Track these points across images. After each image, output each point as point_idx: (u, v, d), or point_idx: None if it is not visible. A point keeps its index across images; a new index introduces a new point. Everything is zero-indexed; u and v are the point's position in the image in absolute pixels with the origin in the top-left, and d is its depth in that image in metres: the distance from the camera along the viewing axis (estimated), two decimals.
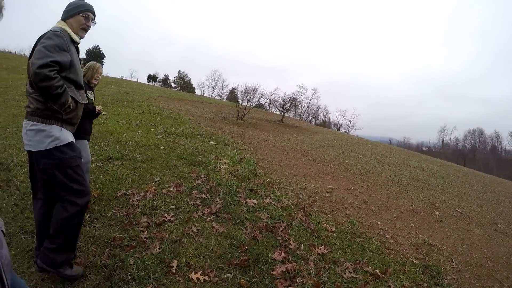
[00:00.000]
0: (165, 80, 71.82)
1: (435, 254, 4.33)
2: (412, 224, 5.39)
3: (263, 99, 19.38)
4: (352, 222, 4.71)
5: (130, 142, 6.48)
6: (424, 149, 79.48)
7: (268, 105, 20.48)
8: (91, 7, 2.48)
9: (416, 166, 11.54)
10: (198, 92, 68.90)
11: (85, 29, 2.47)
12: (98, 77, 3.90)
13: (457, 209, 6.79)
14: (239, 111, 14.74)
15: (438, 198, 7.35)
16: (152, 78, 69.38)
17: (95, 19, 2.53)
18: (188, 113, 13.32)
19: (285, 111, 19.83)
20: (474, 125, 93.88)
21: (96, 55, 67.22)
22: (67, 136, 2.29)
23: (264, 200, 4.69)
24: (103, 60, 67.36)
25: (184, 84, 71.43)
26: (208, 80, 73.84)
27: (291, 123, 19.79)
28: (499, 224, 6.57)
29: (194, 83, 73.65)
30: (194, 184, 4.82)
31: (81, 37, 2.46)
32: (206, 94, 63.14)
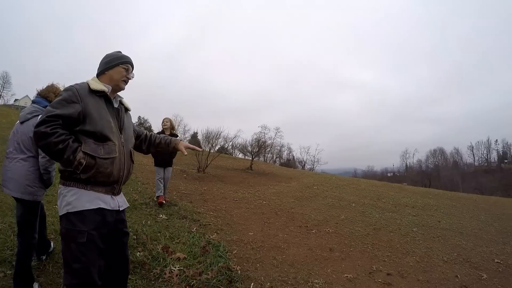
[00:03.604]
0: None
1: None
2: None
3: (227, 144, 17.22)
4: None
5: None
6: (389, 174, 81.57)
7: (232, 149, 18.37)
8: (130, 59, 2.40)
9: (414, 205, 10.77)
10: None
11: (126, 81, 2.34)
12: (166, 124, 6.75)
13: (496, 260, 5.65)
14: (200, 162, 12.35)
15: (466, 249, 6.23)
16: None
17: (133, 72, 2.42)
18: (138, 167, 10.82)
19: (254, 157, 17.64)
20: (434, 145, 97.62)
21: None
22: (82, 202, 2.01)
23: None
24: None
25: (144, 128, 68.84)
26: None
27: (261, 169, 17.62)
28: None
29: (155, 128, 70.83)
30: None
31: (121, 89, 2.34)
32: None
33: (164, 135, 2.75)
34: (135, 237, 4.29)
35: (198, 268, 3.69)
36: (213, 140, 14.69)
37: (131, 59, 2.41)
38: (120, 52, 2.42)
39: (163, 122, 6.84)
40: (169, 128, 6.76)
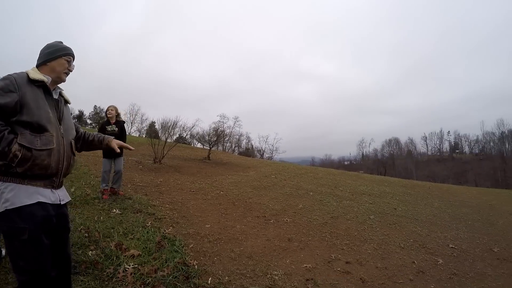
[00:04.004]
0: (80, 117, 65.69)
1: None
2: None
3: (185, 133, 16.87)
4: None
5: None
6: (345, 163, 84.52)
7: (190, 138, 18.06)
8: (72, 51, 2.36)
9: (370, 193, 11.02)
10: None
11: (67, 73, 2.30)
12: (111, 112, 6.54)
13: (450, 245, 6.03)
14: (157, 152, 12.02)
15: (422, 235, 6.54)
16: None
17: (74, 62, 2.36)
18: (90, 159, 10.36)
19: (211, 146, 17.45)
20: (389, 135, 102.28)
21: None
22: (21, 197, 1.93)
23: None
24: None
25: (100, 120, 65.91)
26: (126, 115, 68.17)
27: (218, 158, 17.48)
28: (493, 248, 6.24)
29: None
30: None
31: (62, 81, 2.29)
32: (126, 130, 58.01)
33: (97, 133, 2.66)
34: (86, 235, 4.11)
35: (153, 265, 3.59)
36: (170, 130, 14.30)
37: (73, 50, 2.38)
38: (62, 42, 2.35)
39: (107, 110, 6.60)
40: (114, 116, 6.53)
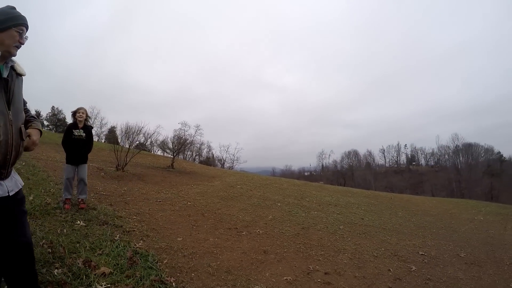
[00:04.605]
0: (37, 117, 61.52)
1: None
2: None
3: (149, 140, 16.35)
4: None
5: None
6: (306, 174, 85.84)
7: (150, 145, 17.54)
8: (26, 20, 2.00)
9: (336, 203, 11.32)
10: None
11: (18, 47, 1.97)
12: (81, 115, 5.90)
13: (420, 252, 6.36)
14: (119, 159, 11.50)
15: (392, 243, 6.79)
16: None
17: (27, 34, 2.03)
18: (49, 164, 9.70)
19: (175, 154, 17.00)
20: (348, 147, 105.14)
21: None
22: None
23: None
24: None
25: (58, 122, 62.37)
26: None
27: (182, 167, 17.05)
28: (460, 254, 6.69)
29: (70, 120, 64.58)
30: None
31: (12, 55, 1.95)
32: None
33: (32, 116, 2.34)
34: (50, 250, 3.73)
35: (127, 283, 3.32)
36: (134, 136, 13.77)
37: (26, 19, 2.04)
38: (14, 8, 2.02)
39: (77, 112, 5.96)
40: (83, 120, 6.00)
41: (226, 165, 58.20)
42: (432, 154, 77.77)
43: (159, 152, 23.93)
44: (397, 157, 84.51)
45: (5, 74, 1.93)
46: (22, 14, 2.04)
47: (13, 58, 2.01)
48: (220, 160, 61.35)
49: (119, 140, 14.61)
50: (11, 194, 1.96)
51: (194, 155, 56.08)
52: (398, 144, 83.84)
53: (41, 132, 2.33)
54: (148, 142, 16.07)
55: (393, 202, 13.84)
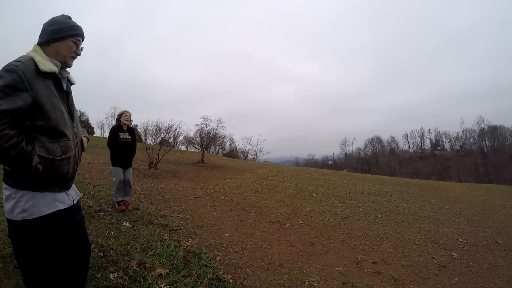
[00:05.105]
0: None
1: None
2: None
3: (172, 136, 16.36)
4: None
5: None
6: (329, 162, 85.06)
7: (174, 141, 17.57)
8: (82, 30, 1.95)
9: (369, 192, 11.10)
10: (98, 132, 62.10)
11: (74, 57, 1.94)
12: (127, 118, 5.81)
13: (459, 240, 6.23)
14: (151, 157, 11.50)
15: (430, 231, 6.60)
16: None
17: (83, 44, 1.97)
18: (83, 167, 9.79)
19: (204, 149, 16.98)
20: (371, 134, 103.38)
21: None
22: (39, 207, 1.74)
23: None
24: None
25: (81, 124, 63.65)
26: (107, 118, 66.40)
27: (211, 162, 17.03)
28: (498, 240, 6.50)
29: (93, 122, 65.81)
30: None
31: (68, 66, 1.92)
32: (107, 135, 56.35)
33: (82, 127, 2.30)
34: (102, 255, 3.65)
35: (186, 283, 3.20)
36: (165, 134, 13.81)
37: (82, 29, 1.99)
38: (70, 18, 1.97)
39: (123, 115, 5.83)
40: (128, 123, 5.90)
41: (250, 156, 58.18)
42: (457, 138, 75.95)
43: (183, 147, 23.98)
44: (421, 142, 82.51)
45: (64, 87, 1.92)
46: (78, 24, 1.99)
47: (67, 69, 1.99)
48: (243, 152, 61.31)
49: (145, 138, 14.60)
50: (75, 202, 2.02)
51: (217, 149, 56.43)
52: (421, 129, 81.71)
53: (88, 139, 2.37)
54: (172, 138, 16.01)
55: (424, 189, 13.46)
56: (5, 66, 1.66)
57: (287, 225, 6.02)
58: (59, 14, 1.97)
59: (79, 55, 1.98)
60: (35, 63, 1.72)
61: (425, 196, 11.33)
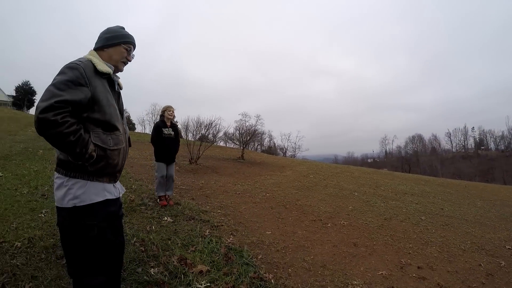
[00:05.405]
0: None
1: None
2: None
3: (211, 132, 16.43)
4: None
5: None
6: (369, 160, 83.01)
7: (213, 137, 17.66)
8: (134, 39, 2.19)
9: (412, 192, 10.53)
10: (138, 128, 64.32)
11: (125, 63, 2.17)
12: (171, 113, 5.78)
13: (507, 247, 5.59)
14: (192, 153, 11.60)
15: (476, 236, 6.12)
16: None
17: (134, 52, 2.22)
18: (126, 162, 9.97)
19: (245, 146, 16.97)
20: (412, 131, 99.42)
21: (27, 92, 60.19)
22: (90, 194, 1.87)
23: None
24: (34, 98, 60.43)
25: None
26: (148, 115, 68.56)
27: (251, 158, 17.00)
28: None
29: (134, 118, 68.22)
30: None
31: (119, 71, 2.16)
32: (148, 131, 58.06)
33: None
34: (143, 249, 3.63)
35: (226, 282, 3.10)
36: (206, 130, 13.91)
37: (134, 38, 2.20)
38: (123, 28, 2.20)
39: (168, 110, 5.85)
40: (171, 118, 5.90)
41: (288, 153, 57.84)
42: (502, 137, 71.42)
43: (221, 143, 24.13)
44: (464, 141, 78.36)
45: (116, 88, 2.14)
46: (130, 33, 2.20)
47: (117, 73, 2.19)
48: (281, 149, 61.09)
49: (185, 134, 14.73)
50: (120, 195, 2.16)
51: (256, 145, 56.67)
52: (465, 127, 77.55)
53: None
54: (212, 135, 16.09)
55: (468, 191, 12.54)
56: (67, 64, 1.84)
57: (329, 225, 5.78)
58: (114, 25, 2.18)
59: (130, 61, 2.20)
60: (93, 64, 1.91)
61: (470, 199, 10.59)
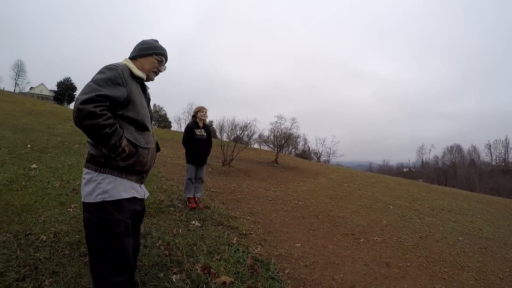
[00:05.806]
0: None
1: None
2: None
3: (246, 134, 16.36)
4: None
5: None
6: (404, 170, 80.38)
7: (248, 138, 17.58)
8: (166, 51, 2.35)
9: (449, 209, 9.92)
10: (174, 126, 65.88)
11: (156, 73, 2.33)
12: (205, 114, 5.73)
13: None
14: (225, 154, 11.57)
15: None
16: None
17: (166, 64, 2.39)
18: (158, 160, 10.08)
19: (279, 149, 16.80)
20: (451, 141, 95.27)
21: (68, 87, 63.45)
22: (119, 190, 1.96)
23: None
24: (74, 93, 63.59)
25: (160, 118, 68.29)
26: (184, 113, 70.22)
27: (285, 162, 16.82)
28: None
29: (170, 117, 70.14)
30: None
31: (150, 80, 2.31)
32: (183, 129, 59.43)
33: None
34: (167, 253, 3.55)
35: None
36: (241, 132, 13.89)
37: (167, 51, 2.35)
38: (157, 41, 2.35)
39: (201, 111, 5.77)
40: (204, 120, 5.83)
41: (322, 158, 57.14)
42: None
43: (256, 145, 24.06)
44: (505, 154, 72.22)
45: (147, 95, 2.29)
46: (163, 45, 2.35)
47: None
48: (316, 154, 60.43)
49: (220, 135, 14.78)
50: (145, 197, 2.24)
51: (290, 149, 56.32)
52: (506, 139, 71.44)
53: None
54: (245, 136, 16.01)
55: (508, 209, 11.67)
56: (106, 66, 1.98)
57: (361, 240, 5.48)
58: (149, 38, 2.36)
59: (161, 71, 2.34)
60: (129, 69, 2.08)
61: (510, 219, 9.79)
